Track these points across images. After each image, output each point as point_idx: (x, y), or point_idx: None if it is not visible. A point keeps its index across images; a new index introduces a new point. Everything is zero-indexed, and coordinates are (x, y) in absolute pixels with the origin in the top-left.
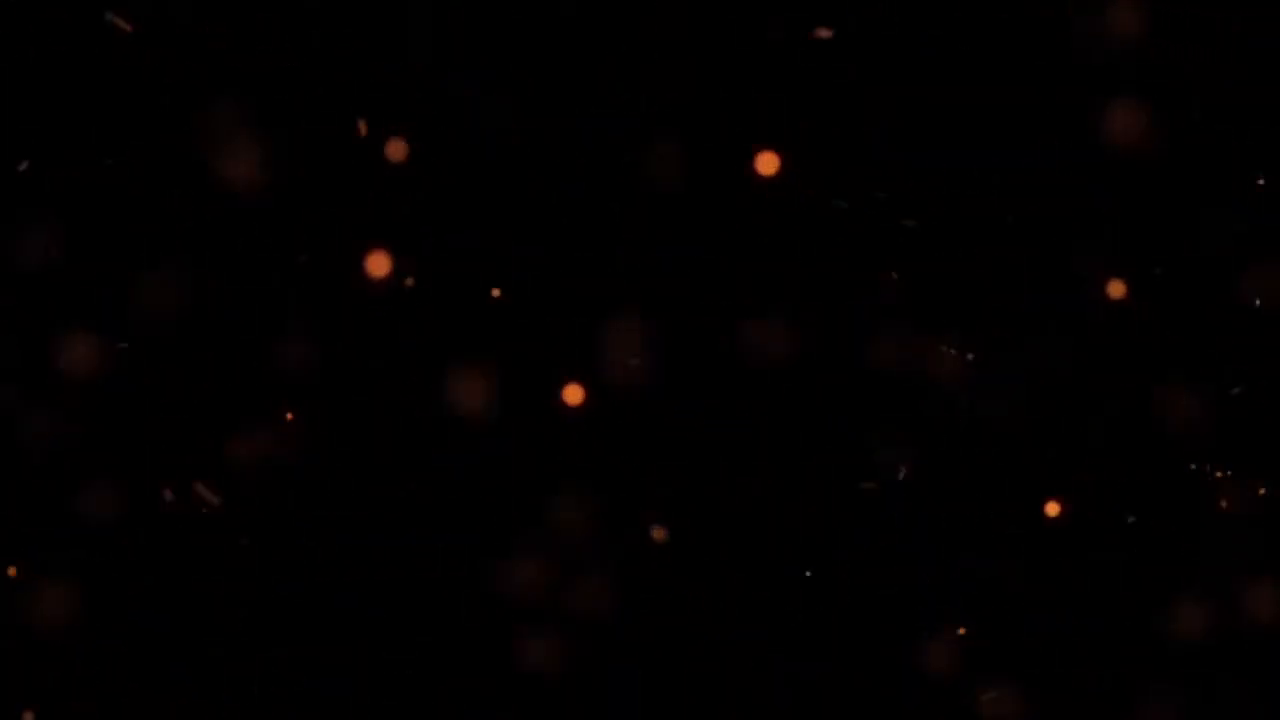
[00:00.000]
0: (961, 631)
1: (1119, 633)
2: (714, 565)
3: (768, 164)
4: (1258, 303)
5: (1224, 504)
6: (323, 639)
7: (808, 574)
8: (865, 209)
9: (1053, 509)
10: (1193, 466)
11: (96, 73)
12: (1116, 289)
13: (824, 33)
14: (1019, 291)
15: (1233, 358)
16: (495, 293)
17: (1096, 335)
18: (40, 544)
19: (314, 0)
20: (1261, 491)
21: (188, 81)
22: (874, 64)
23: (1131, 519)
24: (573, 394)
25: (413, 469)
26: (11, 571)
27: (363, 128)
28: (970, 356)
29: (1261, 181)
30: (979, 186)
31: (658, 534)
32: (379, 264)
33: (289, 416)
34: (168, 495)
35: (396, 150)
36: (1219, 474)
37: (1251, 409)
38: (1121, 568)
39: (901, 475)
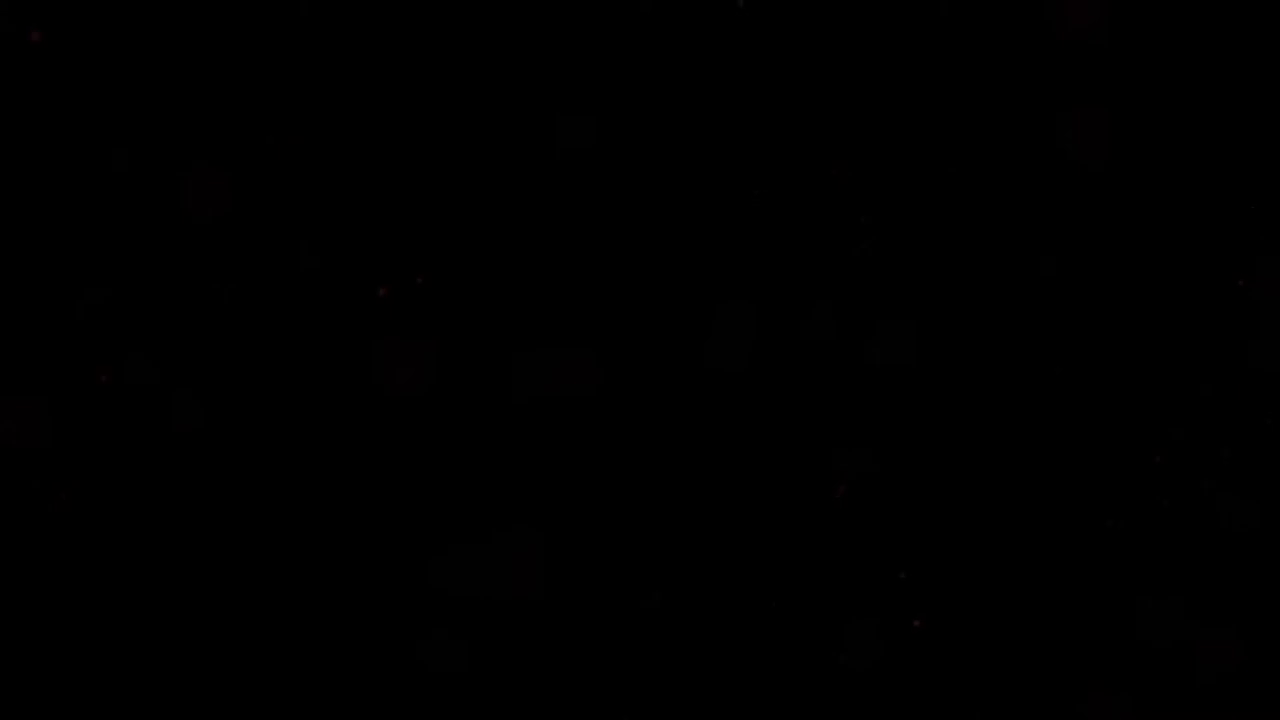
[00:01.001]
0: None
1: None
2: (716, 565)
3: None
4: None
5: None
6: (322, 639)
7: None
8: (861, 207)
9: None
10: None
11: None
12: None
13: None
14: (1013, 290)
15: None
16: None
17: (1091, 336)
18: (39, 543)
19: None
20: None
21: (188, 82)
22: (874, 64)
23: (1118, 520)
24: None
25: (413, 468)
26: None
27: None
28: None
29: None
30: (972, 186)
31: None
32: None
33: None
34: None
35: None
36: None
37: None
38: (1116, 569)
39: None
